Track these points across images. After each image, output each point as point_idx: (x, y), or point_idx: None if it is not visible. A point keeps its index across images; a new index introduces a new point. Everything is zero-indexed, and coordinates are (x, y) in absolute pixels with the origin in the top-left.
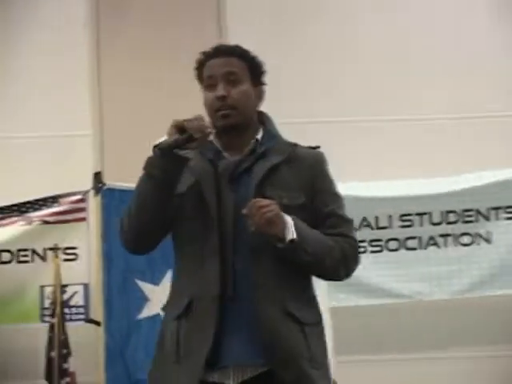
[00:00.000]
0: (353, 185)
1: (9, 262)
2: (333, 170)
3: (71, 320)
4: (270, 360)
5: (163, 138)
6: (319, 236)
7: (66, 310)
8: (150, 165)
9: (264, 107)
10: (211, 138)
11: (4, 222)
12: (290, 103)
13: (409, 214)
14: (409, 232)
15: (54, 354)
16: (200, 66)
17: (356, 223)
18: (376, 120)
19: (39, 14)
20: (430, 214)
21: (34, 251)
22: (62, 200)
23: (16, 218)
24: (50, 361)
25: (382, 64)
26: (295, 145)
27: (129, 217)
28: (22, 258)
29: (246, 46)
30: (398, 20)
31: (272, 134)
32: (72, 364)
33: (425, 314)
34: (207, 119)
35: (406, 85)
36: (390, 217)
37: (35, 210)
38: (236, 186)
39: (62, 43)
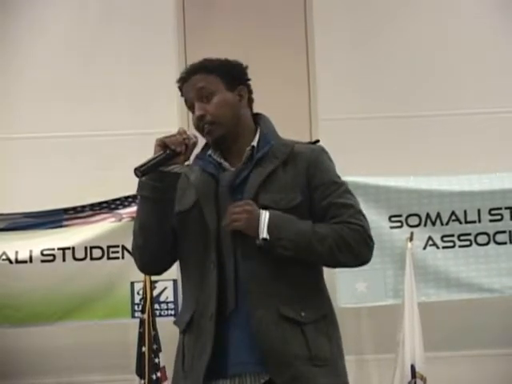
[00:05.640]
0: (441, 179)
1: (99, 258)
2: (421, 163)
3: (161, 316)
4: (266, 366)
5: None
6: (306, 228)
7: (156, 306)
8: (139, 187)
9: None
10: (209, 152)
11: (94, 218)
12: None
13: (498, 208)
14: (498, 226)
15: (144, 349)
16: (182, 94)
17: (445, 218)
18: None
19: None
20: None
21: (123, 247)
22: None
23: (106, 215)
24: (141, 356)
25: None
26: (293, 143)
27: (134, 239)
28: (113, 255)
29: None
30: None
31: (267, 138)
32: (162, 359)
33: None
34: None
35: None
36: (479, 211)
37: (125, 206)
38: (236, 197)
39: (148, 43)
